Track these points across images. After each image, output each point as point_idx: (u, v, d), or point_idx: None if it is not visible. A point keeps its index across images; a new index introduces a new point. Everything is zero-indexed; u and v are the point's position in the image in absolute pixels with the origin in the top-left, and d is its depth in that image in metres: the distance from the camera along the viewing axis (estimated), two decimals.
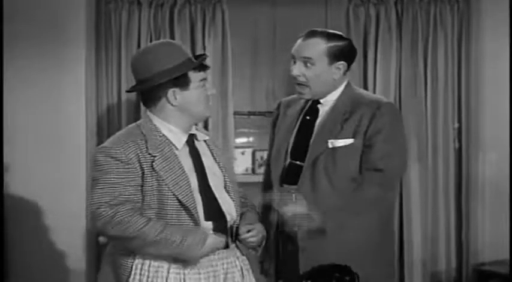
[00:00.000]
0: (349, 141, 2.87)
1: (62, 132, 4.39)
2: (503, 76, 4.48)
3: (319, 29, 2.98)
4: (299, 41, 2.96)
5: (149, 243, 2.50)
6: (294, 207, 2.82)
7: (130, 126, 2.74)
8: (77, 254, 4.41)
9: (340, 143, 2.87)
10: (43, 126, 4.38)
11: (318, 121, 2.96)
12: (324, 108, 2.97)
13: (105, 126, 4.48)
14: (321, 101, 2.98)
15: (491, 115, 4.54)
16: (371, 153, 2.86)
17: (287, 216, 2.82)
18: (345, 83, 2.99)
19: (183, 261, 2.56)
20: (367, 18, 4.52)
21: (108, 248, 2.73)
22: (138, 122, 2.73)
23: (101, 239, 3.06)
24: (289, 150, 3.00)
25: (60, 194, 4.36)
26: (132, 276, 2.56)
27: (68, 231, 4.38)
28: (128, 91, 3.25)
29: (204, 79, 2.67)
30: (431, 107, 4.55)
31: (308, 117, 3.00)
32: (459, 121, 4.59)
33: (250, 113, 5.35)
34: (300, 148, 2.96)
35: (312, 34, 2.94)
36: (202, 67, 2.67)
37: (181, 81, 2.61)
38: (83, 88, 4.38)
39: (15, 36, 4.34)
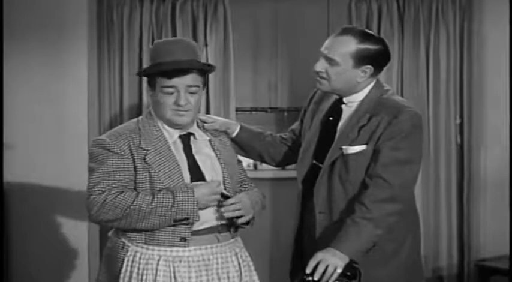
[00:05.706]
0: (362, 147, 2.77)
1: (64, 126, 4.40)
2: (505, 71, 4.47)
3: (356, 27, 2.85)
4: (331, 36, 2.80)
5: (146, 212, 2.52)
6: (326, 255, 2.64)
7: (129, 121, 2.77)
8: (79, 248, 4.43)
9: (352, 149, 2.77)
10: (45, 121, 4.39)
11: (340, 123, 2.87)
12: (347, 110, 2.86)
13: (107, 119, 4.49)
14: (344, 100, 2.86)
15: (494, 110, 4.53)
16: (376, 158, 2.74)
17: (312, 260, 2.64)
18: (371, 85, 2.85)
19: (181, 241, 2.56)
20: (369, 13, 4.50)
21: (106, 246, 2.76)
22: (140, 117, 2.76)
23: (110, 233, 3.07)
24: (313, 151, 2.93)
25: (63, 187, 4.38)
26: (124, 268, 2.58)
27: (70, 225, 4.41)
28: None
29: (171, 87, 2.59)
30: (433, 102, 4.54)
31: (331, 118, 2.90)
32: (461, 116, 4.58)
33: (252, 109, 5.34)
34: (322, 150, 2.88)
35: (346, 31, 2.78)
36: (171, 74, 2.58)
37: (150, 81, 2.66)
38: (85, 81, 4.39)
39: (16, 31, 4.35)
